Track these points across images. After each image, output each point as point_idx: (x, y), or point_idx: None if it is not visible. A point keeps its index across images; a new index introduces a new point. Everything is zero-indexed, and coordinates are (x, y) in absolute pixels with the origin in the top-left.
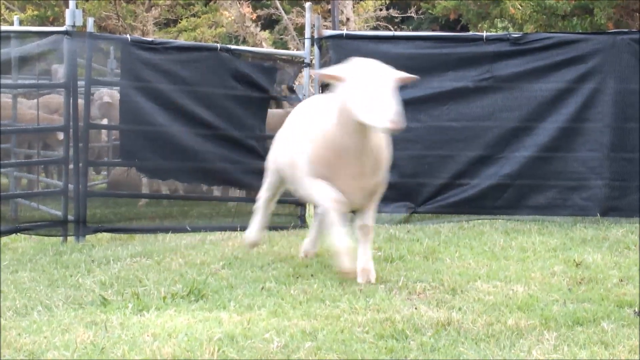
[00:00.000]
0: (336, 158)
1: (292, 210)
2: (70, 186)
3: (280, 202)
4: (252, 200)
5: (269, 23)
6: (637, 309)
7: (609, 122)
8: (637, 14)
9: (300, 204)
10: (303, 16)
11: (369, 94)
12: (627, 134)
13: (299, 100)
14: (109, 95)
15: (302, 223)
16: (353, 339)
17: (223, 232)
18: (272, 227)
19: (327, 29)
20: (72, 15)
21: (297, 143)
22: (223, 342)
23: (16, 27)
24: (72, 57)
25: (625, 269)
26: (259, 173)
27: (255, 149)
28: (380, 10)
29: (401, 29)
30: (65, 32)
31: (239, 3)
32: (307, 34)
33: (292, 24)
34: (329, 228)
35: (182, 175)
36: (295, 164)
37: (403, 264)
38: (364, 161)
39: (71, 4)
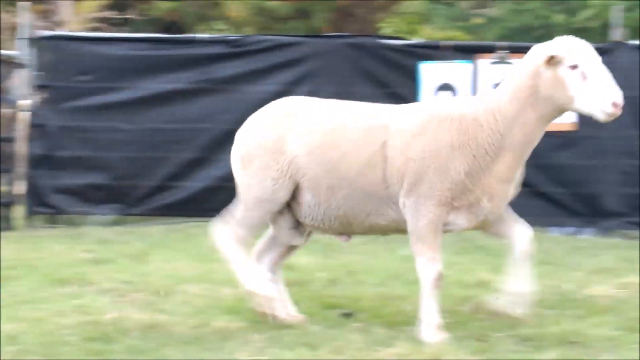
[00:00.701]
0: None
1: None
2: None
3: None
4: None
5: None
6: (343, 311)
7: None
8: (352, 18)
9: (7, 205)
10: (20, 16)
11: (594, 77)
12: None
13: (14, 102)
14: None
15: (8, 225)
16: (58, 342)
17: None
18: None
19: (45, 29)
20: None
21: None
22: None
23: None
24: None
25: (333, 271)
26: None
27: None
28: (101, 11)
29: (121, 31)
30: None
31: None
32: (23, 34)
33: (9, 24)
34: (425, 306)
35: None
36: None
37: (112, 266)
38: (522, 159)
39: None
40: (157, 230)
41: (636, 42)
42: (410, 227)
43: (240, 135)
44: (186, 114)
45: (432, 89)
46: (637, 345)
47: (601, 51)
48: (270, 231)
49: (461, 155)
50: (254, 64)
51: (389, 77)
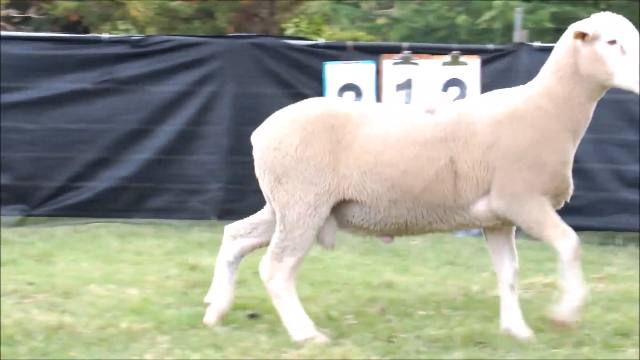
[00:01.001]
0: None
1: None
2: None
3: None
4: None
5: None
6: (250, 312)
7: (228, 126)
8: (256, 19)
9: None
10: None
11: (633, 51)
12: (245, 138)
13: None
14: None
15: None
16: None
17: None
18: None
19: None
20: None
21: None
22: None
23: None
24: None
25: (239, 272)
26: None
27: None
28: (0, 9)
29: (21, 30)
30: None
31: None
32: None
33: None
34: (571, 277)
35: None
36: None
37: (15, 267)
38: (579, 140)
39: None
40: (62, 231)
41: (538, 43)
42: (525, 225)
43: (266, 141)
44: (90, 114)
45: (336, 90)
46: (543, 345)
47: (504, 52)
48: (257, 216)
49: (548, 146)
50: (158, 64)
51: (293, 77)
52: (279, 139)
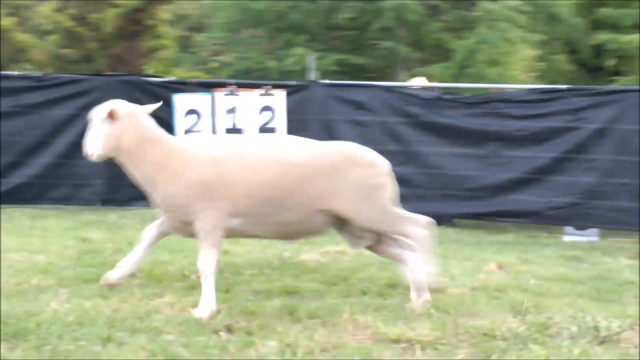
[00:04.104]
0: None
1: None
2: None
3: None
4: None
5: None
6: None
7: None
8: (125, 62)
9: None
10: None
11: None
12: None
13: None
14: None
15: None
16: None
17: None
18: None
19: None
20: None
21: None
22: None
23: None
24: None
25: (117, 242)
26: None
27: None
28: None
29: None
30: None
31: None
32: None
33: None
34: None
35: None
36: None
37: None
38: None
39: None
40: None
41: (325, 81)
42: None
43: None
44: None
45: (183, 114)
46: (337, 295)
47: (302, 87)
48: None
49: None
50: (53, 94)
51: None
52: None
